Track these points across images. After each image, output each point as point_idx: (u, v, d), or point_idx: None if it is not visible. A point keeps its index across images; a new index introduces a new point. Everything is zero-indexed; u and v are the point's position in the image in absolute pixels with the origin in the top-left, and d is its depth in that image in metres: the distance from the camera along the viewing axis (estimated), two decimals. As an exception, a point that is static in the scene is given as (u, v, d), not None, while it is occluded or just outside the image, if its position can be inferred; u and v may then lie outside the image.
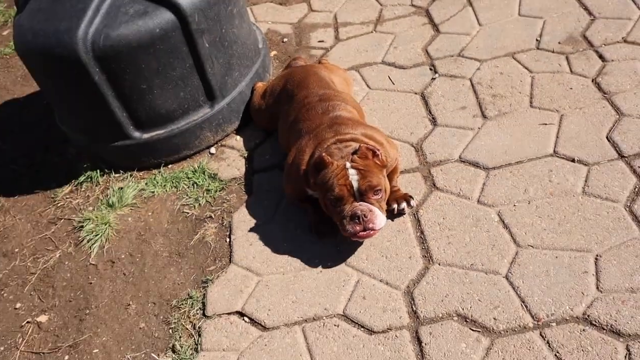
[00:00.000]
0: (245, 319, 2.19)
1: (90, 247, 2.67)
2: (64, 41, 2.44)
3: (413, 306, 2.05)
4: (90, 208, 2.87)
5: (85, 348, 2.33)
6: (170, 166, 2.97)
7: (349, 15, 3.71)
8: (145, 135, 2.80)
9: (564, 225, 2.14)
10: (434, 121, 2.76)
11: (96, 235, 2.69)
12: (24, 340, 2.44)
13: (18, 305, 2.58)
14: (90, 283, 2.56)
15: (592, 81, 2.70)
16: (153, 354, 2.22)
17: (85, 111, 2.75)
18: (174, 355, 2.18)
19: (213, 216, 2.64)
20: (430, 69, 3.06)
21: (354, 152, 2.19)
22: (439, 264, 2.15)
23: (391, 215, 2.34)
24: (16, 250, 2.83)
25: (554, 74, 2.79)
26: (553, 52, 2.91)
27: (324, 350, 2.02)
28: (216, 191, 2.75)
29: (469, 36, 3.20)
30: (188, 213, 2.70)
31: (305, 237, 2.42)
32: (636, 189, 2.19)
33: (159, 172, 2.94)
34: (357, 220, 2.13)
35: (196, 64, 2.67)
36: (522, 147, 2.48)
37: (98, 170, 3.01)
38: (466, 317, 1.97)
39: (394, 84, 3.02)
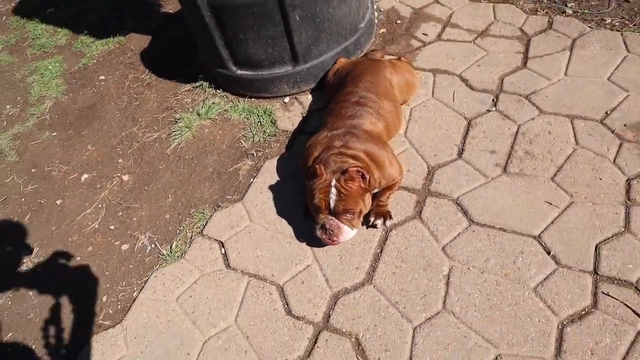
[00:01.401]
0: (222, 250, 2.19)
1: (172, 141, 2.75)
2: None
3: (331, 311, 1.94)
4: (190, 109, 2.90)
5: (131, 214, 2.53)
6: (253, 100, 2.90)
7: (462, 17, 3.15)
8: (239, 72, 2.76)
9: (494, 311, 1.83)
10: (460, 152, 2.36)
11: (179, 134, 2.76)
12: (108, 189, 2.67)
13: (120, 160, 2.79)
14: (160, 167, 2.68)
15: (627, 181, 2.06)
16: (157, 242, 2.34)
17: (204, 42, 2.78)
18: (168, 251, 2.28)
19: (255, 155, 2.60)
20: (493, 100, 2.54)
21: (344, 172, 1.97)
22: (374, 287, 1.98)
23: (367, 223, 2.16)
24: (140, 119, 3.02)
25: (595, 156, 2.20)
26: (612, 132, 2.27)
27: (249, 308, 2.06)
28: (269, 135, 2.67)
29: (548, 81, 2.57)
30: (242, 143, 2.68)
31: (301, 208, 2.28)
32: (583, 311, 1.72)
33: (244, 101, 2.87)
34: (324, 231, 2.00)
35: (286, 31, 2.51)
36: (515, 216, 2.06)
37: (208, 83, 3.00)
38: (360, 344, 1.85)
39: (454, 101, 2.55)
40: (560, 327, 1.78)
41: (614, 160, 2.19)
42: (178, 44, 3.59)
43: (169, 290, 2.18)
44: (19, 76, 3.78)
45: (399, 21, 3.25)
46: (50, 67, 3.75)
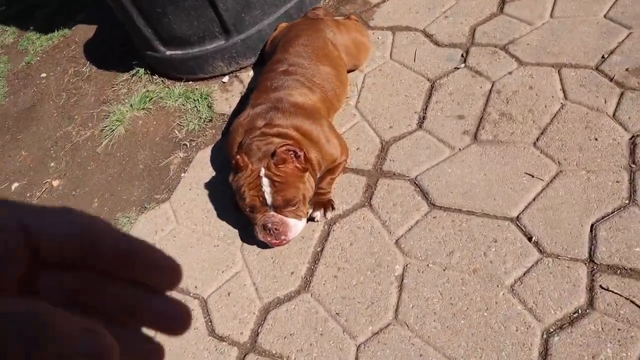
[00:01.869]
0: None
1: (104, 138, 2.37)
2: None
3: (260, 327, 1.51)
4: (125, 100, 2.51)
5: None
6: (190, 83, 2.47)
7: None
8: (168, 52, 2.33)
9: (458, 320, 1.37)
10: (421, 121, 1.88)
11: (111, 129, 2.37)
12: (38, 197, 2.33)
13: (52, 164, 2.44)
14: (90, 168, 2.30)
15: (630, 139, 1.56)
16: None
17: (127, 22, 2.36)
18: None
19: (188, 145, 2.18)
20: (462, 56, 2.04)
21: (273, 154, 1.52)
22: (311, 295, 1.53)
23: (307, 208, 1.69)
24: (76, 117, 2.64)
25: (589, 111, 1.68)
26: (611, 80, 1.74)
27: (164, 331, 1.57)
28: (205, 121, 2.24)
29: (529, 26, 2.04)
30: (176, 133, 2.26)
31: (232, 203, 1.85)
32: (575, 313, 1.26)
33: (180, 85, 2.45)
34: (268, 232, 1.56)
35: None
36: (487, 195, 1.59)
37: (144, 69, 2.60)
38: (288, 372, 1.37)
39: (415, 61, 2.07)
40: (544, 336, 1.29)
41: (614, 115, 1.65)
42: (122, 30, 3.20)
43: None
44: (-37, 81, 3.49)
45: (355, -22, 2.80)
46: (-5, 70, 3.44)
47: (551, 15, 2.06)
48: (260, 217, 1.58)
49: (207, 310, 1.63)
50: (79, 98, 2.81)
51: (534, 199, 1.56)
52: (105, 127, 2.48)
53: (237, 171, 1.60)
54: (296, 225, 1.61)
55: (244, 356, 1.50)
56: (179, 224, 1.91)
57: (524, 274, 1.42)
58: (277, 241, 1.59)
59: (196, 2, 2.08)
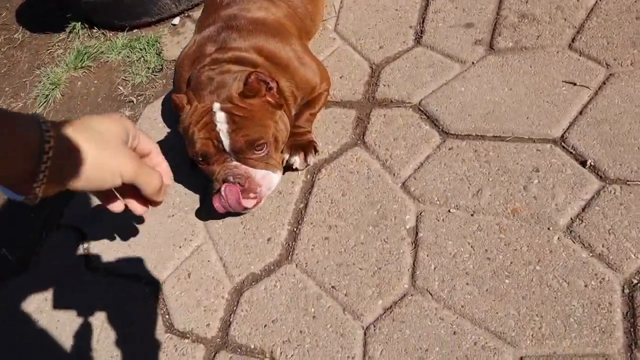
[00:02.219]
0: (85, 245, 1.37)
1: (38, 106, 1.92)
2: None
3: (232, 316, 1.09)
4: (60, 61, 2.05)
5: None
6: (135, 31, 1.99)
7: None
8: None
9: (500, 281, 0.98)
10: (418, 37, 1.44)
11: (45, 95, 1.91)
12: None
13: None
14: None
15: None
16: (7, 252, 1.53)
17: None
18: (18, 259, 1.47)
19: (135, 102, 1.72)
20: (461, -46, 1.58)
21: (245, 82, 1.09)
22: (296, 266, 1.12)
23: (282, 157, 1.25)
24: (7, 88, 2.17)
25: (639, -3, 1.24)
26: None
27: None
28: (154, 71, 1.78)
29: None
30: (121, 90, 1.80)
31: (187, 162, 1.42)
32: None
33: (123, 36, 1.98)
34: (228, 191, 1.11)
35: None
36: (517, 114, 1.18)
37: (81, 23, 2.13)
38: (271, 371, 0.98)
39: (403, -32, 1.63)
40: (626, 290, 0.90)
41: (670, -4, 1.30)
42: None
43: (21, 300, 1.38)
44: None
45: None
46: None
47: None
48: (219, 170, 1.13)
49: (163, 299, 1.22)
50: (10, 67, 2.33)
51: (580, 113, 1.14)
52: (39, 93, 2.03)
53: (178, 111, 1.15)
54: (267, 177, 1.15)
55: (214, 355, 1.10)
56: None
57: (584, 210, 1.02)
58: (241, 204, 1.12)
59: None
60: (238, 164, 1.13)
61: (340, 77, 1.43)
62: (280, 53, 1.20)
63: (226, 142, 1.09)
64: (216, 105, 1.09)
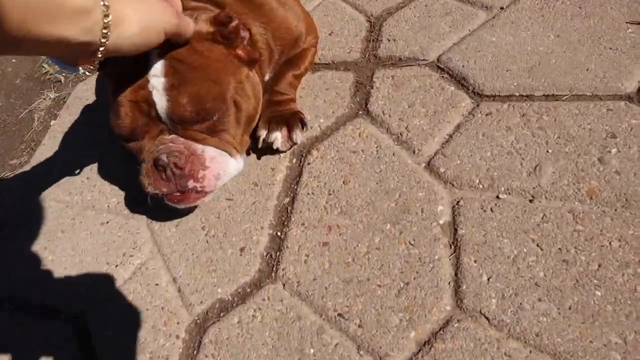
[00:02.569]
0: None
1: (-64, 91, 1.53)
2: None
3: (190, 365, 0.74)
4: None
5: None
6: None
7: None
8: None
9: (588, 294, 0.65)
10: (426, -18, 1.13)
11: (-55, 77, 1.53)
12: None
13: None
14: None
15: None
16: None
17: None
18: None
19: (62, 81, 1.35)
20: None
21: (221, 22, 0.75)
22: (284, 286, 0.78)
23: (255, 146, 0.92)
24: None
25: None
26: None
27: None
28: (88, 42, 1.42)
29: None
30: (45, 68, 1.42)
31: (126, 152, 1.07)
32: None
33: None
34: (162, 173, 0.76)
35: None
36: (572, 65, 0.88)
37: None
38: None
39: None
40: None
41: None
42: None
43: None
44: None
45: None
46: None
47: None
48: (150, 147, 0.79)
49: (92, 343, 0.88)
50: None
51: (659, 59, 0.90)
52: (-59, 78, 1.64)
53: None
54: (219, 161, 0.80)
55: None
56: (44, 198, 1.13)
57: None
58: (180, 193, 0.79)
59: None
60: (176, 136, 0.78)
61: (330, 34, 1.10)
62: (252, -8, 0.88)
63: (161, 104, 0.74)
64: (153, 52, 0.73)
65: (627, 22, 0.92)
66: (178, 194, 0.78)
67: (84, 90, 1.27)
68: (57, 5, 0.51)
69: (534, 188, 0.77)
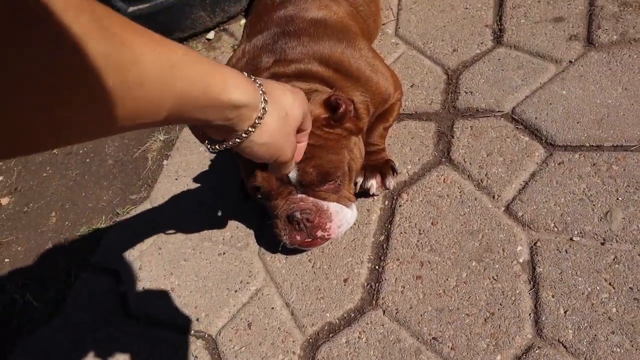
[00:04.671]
0: (120, 287, 1.23)
1: (60, 132, 1.82)
2: None
3: (308, 379, 0.92)
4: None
5: (3, 253, 1.60)
6: (166, 47, 1.90)
7: None
8: (131, 8, 1.74)
9: None
10: (498, 36, 1.30)
11: (68, 122, 1.82)
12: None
13: (0, 178, 1.89)
14: (46, 174, 1.75)
15: None
16: (30, 294, 1.39)
17: None
18: (41, 306, 1.33)
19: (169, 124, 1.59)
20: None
21: (335, 108, 0.94)
22: (383, 312, 0.95)
23: (353, 191, 1.10)
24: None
25: None
26: None
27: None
28: (189, 91, 1.65)
29: None
30: (152, 113, 1.68)
31: (237, 191, 1.29)
32: None
33: (153, 52, 1.89)
34: (295, 227, 0.98)
35: None
36: (637, 117, 0.98)
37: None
38: None
39: (467, -37, 1.50)
40: None
41: None
42: None
43: (48, 354, 1.25)
44: None
45: None
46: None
47: None
48: (283, 205, 1.00)
49: (219, 355, 1.08)
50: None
51: None
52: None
53: None
54: (340, 214, 1.00)
55: None
56: (163, 229, 1.33)
57: None
58: (310, 240, 1.00)
59: None
60: (305, 196, 0.98)
61: (411, 86, 1.28)
62: (350, 62, 1.06)
63: (293, 174, 0.95)
64: None
65: (692, 77, 1.03)
66: (309, 240, 0.99)
67: (191, 134, 1.50)
68: (209, 99, 0.48)
69: (605, 232, 0.90)
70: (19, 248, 1.64)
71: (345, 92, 1.04)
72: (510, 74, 1.20)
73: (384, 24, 1.47)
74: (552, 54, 1.20)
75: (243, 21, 1.80)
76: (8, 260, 1.63)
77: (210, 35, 1.83)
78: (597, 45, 1.17)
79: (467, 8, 1.40)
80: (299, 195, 0.99)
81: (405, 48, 1.39)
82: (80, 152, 1.80)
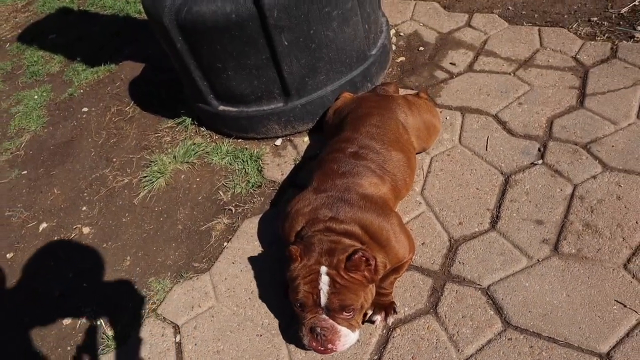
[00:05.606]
0: (177, 337, 1.69)
1: (142, 188, 2.31)
2: (154, 5, 2.03)
3: None
4: (168, 150, 2.47)
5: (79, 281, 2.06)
6: (240, 141, 2.43)
7: (500, 44, 2.53)
8: (221, 107, 2.31)
9: None
10: (494, 221, 1.77)
11: (150, 180, 2.32)
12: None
13: (84, 208, 2.37)
14: (125, 220, 2.23)
15: None
16: (103, 320, 1.86)
17: (182, 72, 2.33)
18: (113, 333, 1.78)
19: (233, 211, 2.11)
20: (539, 150, 1.95)
21: (349, 257, 1.42)
22: (365, 416, 1.37)
23: (362, 319, 1.56)
24: (114, 159, 2.60)
25: (691, 236, 1.53)
26: None
27: None
28: (253, 186, 2.17)
29: (613, 126, 1.96)
30: (220, 195, 2.19)
31: (280, 288, 1.74)
32: None
33: (228, 142, 2.41)
34: (314, 336, 1.45)
35: (273, 59, 2.03)
36: (571, 321, 1.47)
37: (191, 119, 2.57)
38: None
39: (487, 150, 1.99)
40: None
41: None
42: (171, 74, 3.19)
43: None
44: (4, 106, 3.44)
45: (421, 48, 2.68)
46: (36, 97, 3.39)
47: (637, 116, 1.99)
48: (310, 318, 1.46)
49: None
50: (119, 139, 2.77)
51: (627, 335, 1.42)
52: (145, 177, 2.41)
53: (291, 261, 1.52)
54: (347, 336, 1.47)
55: None
56: (219, 302, 1.80)
57: None
58: (323, 349, 1.47)
59: (259, 62, 2.03)
60: (327, 318, 1.46)
61: (422, 244, 1.75)
62: (382, 232, 1.55)
63: (324, 300, 1.43)
64: (323, 269, 1.44)
65: (615, 300, 1.47)
66: (322, 349, 1.46)
67: (251, 228, 2.00)
68: None
69: (525, 400, 1.32)
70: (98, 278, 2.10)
71: (372, 252, 1.51)
72: (494, 257, 1.66)
73: (414, 182, 1.94)
74: (527, 250, 1.66)
75: (306, 139, 2.32)
76: (86, 285, 2.09)
77: (278, 142, 2.35)
78: (559, 252, 1.63)
79: (477, 189, 1.88)
80: (324, 316, 1.46)
81: (425, 208, 1.86)
82: (156, 209, 2.28)
